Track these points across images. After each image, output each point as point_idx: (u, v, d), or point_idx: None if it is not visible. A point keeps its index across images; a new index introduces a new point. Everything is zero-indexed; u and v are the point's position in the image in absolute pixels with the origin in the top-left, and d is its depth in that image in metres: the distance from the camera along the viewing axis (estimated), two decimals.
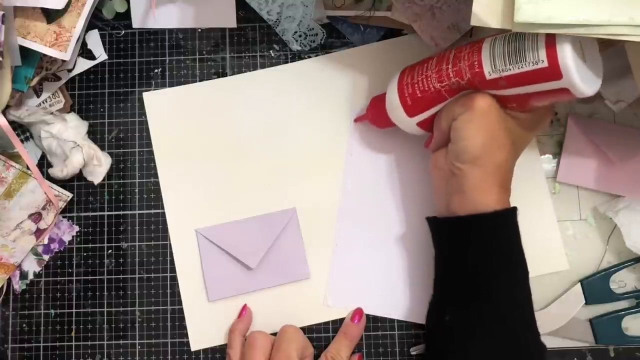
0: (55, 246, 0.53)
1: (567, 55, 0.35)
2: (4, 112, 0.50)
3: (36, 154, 0.54)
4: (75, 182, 0.54)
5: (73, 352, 0.52)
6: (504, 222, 0.41)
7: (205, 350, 0.52)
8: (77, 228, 0.54)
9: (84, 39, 0.54)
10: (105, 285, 0.53)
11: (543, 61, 0.36)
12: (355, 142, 0.53)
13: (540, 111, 0.42)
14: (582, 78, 0.36)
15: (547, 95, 0.38)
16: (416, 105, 0.44)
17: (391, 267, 0.51)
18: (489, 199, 0.40)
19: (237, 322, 0.50)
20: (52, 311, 0.53)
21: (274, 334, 0.49)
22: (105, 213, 0.54)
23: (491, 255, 0.41)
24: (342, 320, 0.51)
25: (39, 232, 0.53)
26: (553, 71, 0.36)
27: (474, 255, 0.42)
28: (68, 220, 0.54)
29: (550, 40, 0.36)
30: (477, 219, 0.40)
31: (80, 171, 0.52)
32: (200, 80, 0.54)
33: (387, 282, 0.51)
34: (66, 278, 0.53)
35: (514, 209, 0.42)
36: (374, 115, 0.49)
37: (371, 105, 0.50)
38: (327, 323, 0.52)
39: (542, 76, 0.36)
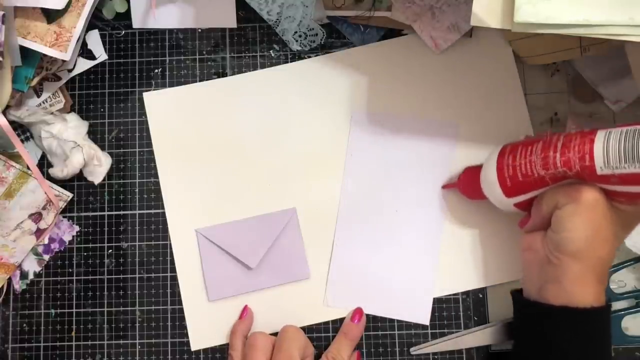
0: (55, 246, 0.53)
1: None
2: (4, 112, 0.50)
3: (36, 154, 0.54)
4: (76, 182, 0.54)
5: (73, 352, 0.52)
6: (599, 319, 0.40)
7: (205, 350, 0.52)
8: (77, 228, 0.54)
9: (84, 39, 0.54)
10: (105, 285, 0.53)
11: None
12: (355, 142, 0.53)
13: None
14: None
15: None
16: (516, 188, 0.42)
17: (391, 267, 0.51)
18: (586, 293, 0.39)
19: (239, 323, 0.50)
20: (52, 311, 0.53)
21: (274, 334, 0.49)
22: (106, 213, 0.54)
23: (581, 350, 0.40)
24: (342, 320, 0.51)
25: (39, 232, 0.53)
26: None
27: (563, 347, 0.40)
28: (68, 220, 0.54)
29: None
30: (572, 313, 0.39)
31: (81, 171, 0.52)
32: (200, 80, 0.54)
33: (386, 282, 0.51)
34: (66, 278, 0.53)
35: (609, 306, 0.40)
36: (467, 186, 0.48)
37: (465, 175, 0.49)
38: (327, 323, 0.52)
39: None
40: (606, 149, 0.36)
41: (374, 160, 0.53)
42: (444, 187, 0.51)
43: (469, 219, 0.52)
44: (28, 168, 0.52)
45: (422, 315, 0.51)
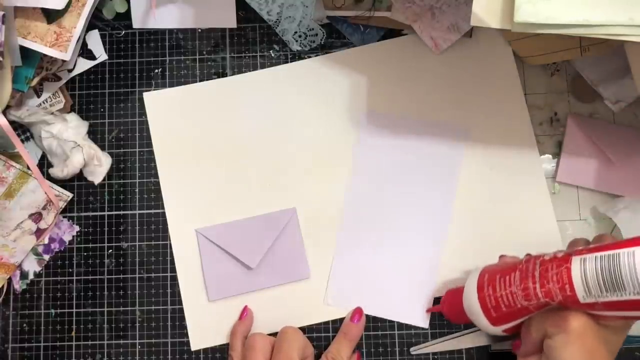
0: (55, 246, 0.53)
1: None
2: (4, 112, 0.50)
3: (36, 154, 0.54)
4: (76, 182, 0.54)
5: (73, 352, 0.52)
6: None
7: (205, 350, 0.52)
8: (77, 228, 0.54)
9: (84, 39, 0.54)
10: (105, 285, 0.53)
11: None
12: (364, 143, 0.53)
13: None
14: None
15: None
16: (501, 317, 0.41)
17: (393, 269, 0.51)
18: None
19: (239, 324, 0.50)
20: (52, 311, 0.53)
21: (274, 334, 0.49)
22: (106, 213, 0.54)
23: None
24: (342, 320, 0.51)
25: (39, 232, 0.53)
26: None
27: None
28: (68, 220, 0.54)
29: None
30: None
31: (81, 171, 0.52)
32: (200, 80, 0.54)
33: (388, 284, 0.51)
34: (66, 278, 0.53)
35: None
36: (451, 312, 0.47)
37: (447, 301, 0.48)
38: (327, 323, 0.52)
39: None
40: (584, 279, 0.36)
41: (382, 161, 0.53)
42: (427, 311, 0.50)
43: (473, 224, 0.52)
44: (28, 168, 0.52)
45: (421, 318, 0.51)
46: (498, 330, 0.43)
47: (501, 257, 0.46)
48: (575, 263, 0.37)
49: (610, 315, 0.37)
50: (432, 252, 0.51)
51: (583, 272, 0.36)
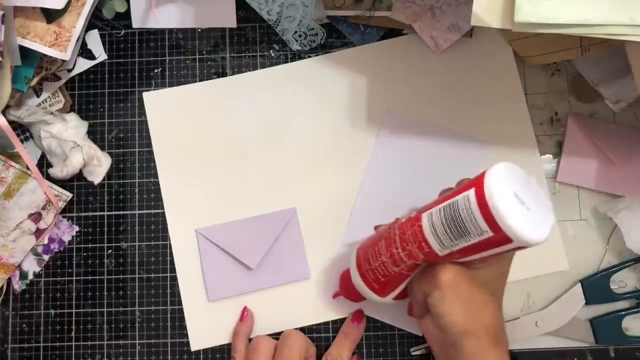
0: (55, 246, 0.53)
1: (508, 219, 0.33)
2: (3, 112, 0.50)
3: (36, 154, 0.54)
4: (75, 182, 0.54)
5: (73, 352, 0.52)
6: None
7: (205, 350, 0.52)
8: (77, 228, 0.54)
9: (83, 38, 0.54)
10: (105, 285, 0.53)
11: (487, 231, 0.34)
12: (382, 143, 0.53)
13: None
14: (532, 231, 0.33)
15: (506, 252, 0.36)
16: (384, 287, 0.42)
17: None
18: None
19: (240, 325, 0.50)
20: (52, 311, 0.53)
21: (275, 334, 0.49)
22: (105, 213, 0.54)
23: None
24: (342, 320, 0.51)
25: (38, 232, 0.53)
26: (502, 237, 0.34)
27: None
28: (68, 220, 0.54)
29: (484, 206, 0.34)
30: None
31: (80, 171, 0.52)
32: (200, 80, 0.54)
33: None
34: (66, 278, 0.53)
35: None
36: (348, 292, 0.48)
37: (342, 283, 0.49)
38: (327, 323, 0.52)
39: (493, 243, 0.35)
40: (434, 232, 0.37)
41: (397, 163, 0.53)
42: (333, 296, 0.51)
43: None
44: (28, 168, 0.52)
45: (417, 326, 0.51)
46: (388, 300, 0.43)
47: (376, 227, 0.46)
48: (425, 219, 0.38)
49: (472, 259, 0.37)
50: None
51: (432, 226, 0.37)
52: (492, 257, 0.38)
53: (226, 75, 0.54)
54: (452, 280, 0.38)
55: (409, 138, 0.53)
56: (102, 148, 0.54)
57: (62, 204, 0.53)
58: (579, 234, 0.51)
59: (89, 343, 0.52)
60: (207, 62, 0.55)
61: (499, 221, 0.33)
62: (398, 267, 0.40)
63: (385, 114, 0.53)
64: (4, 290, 0.53)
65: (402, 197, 0.52)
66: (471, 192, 0.35)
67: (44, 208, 0.53)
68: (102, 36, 0.55)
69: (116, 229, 0.53)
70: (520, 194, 0.34)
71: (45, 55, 0.50)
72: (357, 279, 0.44)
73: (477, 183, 0.35)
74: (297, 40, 0.54)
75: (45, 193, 0.52)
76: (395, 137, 0.53)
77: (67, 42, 0.50)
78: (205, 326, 0.52)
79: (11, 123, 0.50)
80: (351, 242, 0.52)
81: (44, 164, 0.54)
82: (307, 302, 0.52)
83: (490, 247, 0.35)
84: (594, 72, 0.52)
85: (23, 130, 0.54)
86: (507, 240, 0.34)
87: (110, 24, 0.55)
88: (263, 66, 0.54)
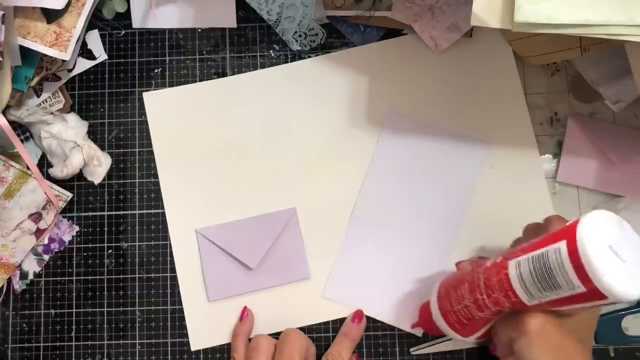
0: (55, 246, 0.53)
1: (602, 276, 0.31)
2: (4, 112, 0.50)
3: (36, 154, 0.54)
4: (75, 182, 0.54)
5: (73, 352, 0.52)
6: None
7: (205, 350, 0.52)
8: (77, 228, 0.54)
9: (84, 39, 0.54)
10: (105, 285, 0.53)
11: (579, 287, 0.32)
12: (384, 143, 0.53)
13: None
14: (628, 286, 0.31)
15: (598, 306, 0.34)
16: (467, 330, 0.42)
17: (396, 273, 0.51)
18: None
19: (240, 325, 0.50)
20: (52, 311, 0.53)
21: (275, 334, 0.49)
22: (105, 213, 0.54)
23: None
24: (342, 320, 0.51)
25: (39, 232, 0.53)
26: (595, 293, 0.32)
27: None
28: (68, 220, 0.54)
29: (577, 261, 0.32)
30: None
31: (80, 171, 0.52)
32: (200, 80, 0.54)
33: (389, 287, 0.51)
34: (66, 278, 0.53)
35: None
36: (428, 327, 0.47)
37: (422, 316, 0.48)
38: (327, 323, 0.52)
39: (586, 298, 0.33)
40: (523, 283, 0.35)
41: (399, 163, 0.52)
42: (412, 327, 0.50)
43: (472, 224, 0.52)
44: (28, 168, 0.52)
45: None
46: (471, 340, 0.43)
47: (457, 264, 0.45)
48: (512, 268, 0.36)
49: (560, 309, 0.36)
50: (439, 263, 0.51)
51: (520, 276, 0.36)
52: (583, 308, 0.36)
53: (226, 75, 0.54)
54: (540, 328, 0.37)
55: (410, 138, 0.53)
56: (102, 148, 0.54)
57: (62, 204, 0.53)
58: None
59: (89, 343, 0.52)
60: (207, 62, 0.55)
61: (593, 278, 0.31)
62: (482, 312, 0.39)
63: (387, 114, 0.53)
64: (4, 290, 0.53)
65: (402, 197, 0.52)
66: (562, 245, 0.33)
67: (44, 208, 0.53)
68: (102, 36, 0.55)
69: (116, 229, 0.53)
70: (615, 245, 0.32)
71: (45, 55, 0.50)
72: (438, 318, 0.43)
73: (569, 234, 0.33)
74: (297, 40, 0.54)
75: (45, 193, 0.52)
76: (396, 137, 0.53)
77: (67, 42, 0.50)
78: (205, 326, 0.52)
79: (11, 123, 0.50)
80: (352, 242, 0.52)
81: (44, 164, 0.54)
82: (307, 302, 0.52)
83: (582, 302, 0.34)
84: (594, 72, 0.52)
85: (23, 130, 0.54)
86: (601, 296, 0.32)
87: (111, 24, 0.55)
88: (263, 66, 0.54)
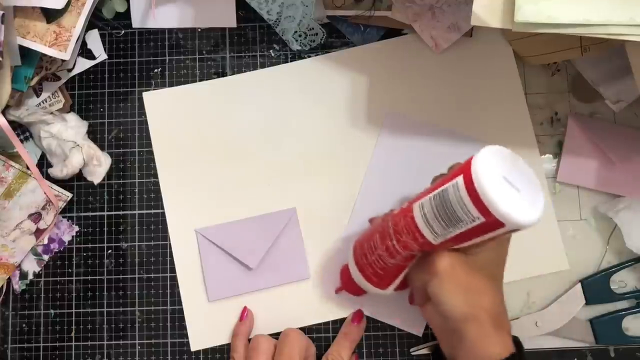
0: (55, 246, 0.53)
1: (498, 205, 0.32)
2: (3, 112, 0.50)
3: (36, 154, 0.54)
4: (75, 182, 0.54)
5: (73, 352, 0.52)
6: None
7: (205, 351, 0.52)
8: (77, 228, 0.53)
9: (83, 38, 0.54)
10: (105, 285, 0.53)
11: (479, 218, 0.34)
12: (383, 144, 0.53)
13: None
14: (524, 213, 0.33)
15: (500, 235, 0.36)
16: (383, 280, 0.43)
17: None
18: (491, 348, 0.38)
19: (240, 325, 0.50)
20: (52, 311, 0.53)
21: (275, 334, 0.49)
22: (105, 213, 0.53)
23: None
24: (342, 320, 0.51)
25: (38, 232, 0.53)
26: (494, 222, 0.34)
27: None
28: (68, 220, 0.53)
29: (473, 193, 0.33)
30: None
31: (80, 171, 0.52)
32: (200, 80, 0.54)
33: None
34: (66, 278, 0.53)
35: (519, 348, 0.40)
36: (350, 287, 0.48)
37: (342, 278, 0.49)
38: (327, 323, 0.52)
39: (486, 228, 0.34)
40: (427, 222, 0.37)
41: (399, 163, 0.52)
42: (336, 291, 0.50)
43: None
44: (27, 168, 0.52)
45: (416, 326, 0.51)
46: (389, 291, 0.44)
47: (370, 220, 0.46)
48: (416, 209, 0.38)
49: (466, 245, 0.37)
50: None
51: (424, 216, 0.37)
52: (489, 242, 0.37)
53: (226, 75, 0.54)
54: (449, 268, 0.38)
55: (410, 138, 0.53)
56: (102, 148, 0.54)
57: (62, 204, 0.53)
58: (579, 234, 0.51)
59: (89, 343, 0.52)
60: (207, 62, 0.55)
61: (489, 207, 0.33)
62: (394, 259, 0.40)
63: (386, 114, 0.53)
64: (4, 290, 0.53)
65: (402, 197, 0.52)
66: (459, 180, 0.34)
67: (44, 208, 0.53)
68: (102, 36, 0.55)
69: (116, 229, 0.53)
70: (509, 176, 0.34)
71: (45, 55, 0.50)
72: (356, 274, 0.44)
73: (465, 169, 0.34)
74: (297, 40, 0.53)
75: (45, 193, 0.52)
76: (396, 137, 0.53)
77: (67, 42, 0.50)
78: (205, 326, 0.52)
79: (11, 123, 0.50)
80: (348, 239, 0.52)
81: (44, 164, 0.54)
82: (307, 302, 0.52)
83: (484, 233, 0.35)
84: (594, 72, 0.52)
85: (23, 130, 0.54)
86: (500, 224, 0.34)
87: (110, 23, 0.55)
88: (263, 66, 0.54)
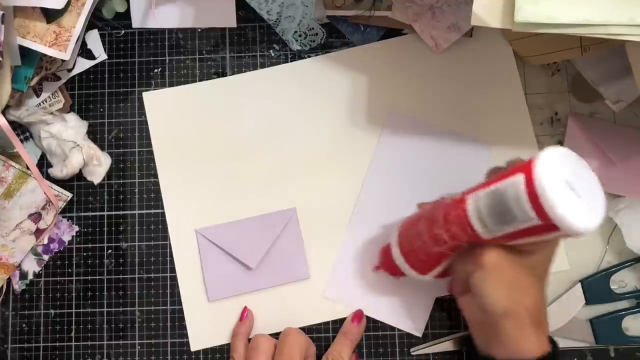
0: (55, 246, 0.53)
1: (557, 209, 0.32)
2: (3, 112, 0.50)
3: (36, 154, 0.54)
4: (75, 182, 0.54)
5: (73, 352, 0.52)
6: None
7: (205, 351, 0.52)
8: (76, 228, 0.53)
9: (83, 38, 0.54)
10: (105, 285, 0.53)
11: (534, 219, 0.33)
12: (384, 144, 0.53)
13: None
14: (581, 220, 0.32)
15: (552, 239, 0.35)
16: (425, 267, 0.43)
17: None
18: (528, 346, 0.39)
19: (240, 325, 0.50)
20: (52, 311, 0.53)
21: (275, 334, 0.49)
22: (105, 213, 0.53)
23: None
24: (342, 320, 0.51)
25: (38, 232, 0.53)
26: (549, 226, 0.33)
27: None
28: (68, 220, 0.53)
29: (533, 194, 0.32)
30: None
31: (80, 171, 0.52)
32: (200, 80, 0.54)
33: (388, 287, 0.51)
34: (66, 278, 0.53)
35: (555, 349, 0.40)
36: (389, 268, 0.48)
37: (382, 257, 0.49)
38: (327, 323, 0.52)
39: (540, 230, 0.34)
40: (480, 216, 0.36)
41: (399, 163, 0.52)
42: (373, 269, 0.50)
43: None
44: (27, 168, 0.52)
45: (416, 326, 0.51)
46: (428, 277, 0.44)
47: (419, 205, 0.46)
48: (470, 202, 0.37)
49: (516, 244, 0.37)
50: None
51: (477, 210, 0.36)
52: (538, 243, 0.37)
53: (226, 75, 0.54)
54: (495, 262, 0.38)
55: (411, 138, 0.53)
56: (102, 148, 0.54)
57: (62, 204, 0.53)
58: None
59: (89, 343, 0.52)
60: (207, 62, 0.55)
61: (548, 210, 0.32)
62: (440, 247, 0.40)
63: (388, 114, 0.53)
64: (4, 290, 0.53)
65: (403, 197, 0.52)
66: (520, 178, 0.34)
67: (43, 208, 0.53)
68: (102, 36, 0.55)
69: (116, 229, 0.53)
70: (572, 180, 0.33)
71: (45, 55, 0.50)
72: (398, 257, 0.44)
73: (527, 169, 0.33)
74: (297, 40, 0.53)
75: (45, 193, 0.52)
76: (397, 137, 0.53)
77: (67, 42, 0.50)
78: (205, 326, 0.52)
79: (11, 123, 0.50)
80: (352, 242, 0.52)
81: (44, 164, 0.54)
82: (307, 302, 0.52)
83: (537, 234, 0.35)
84: (594, 72, 0.52)
85: (23, 130, 0.54)
86: (555, 228, 0.33)
87: (110, 24, 0.55)
88: (263, 66, 0.54)
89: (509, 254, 0.39)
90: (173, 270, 0.52)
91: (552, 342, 0.40)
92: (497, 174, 0.39)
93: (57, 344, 0.52)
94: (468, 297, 0.42)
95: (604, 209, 0.34)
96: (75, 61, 0.54)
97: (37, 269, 0.53)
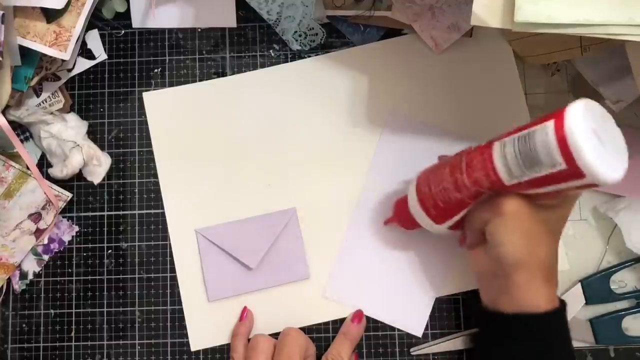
0: (55, 246, 0.53)
1: (585, 154, 0.33)
2: (3, 112, 0.50)
3: (36, 154, 0.54)
4: (75, 182, 0.54)
5: (73, 352, 0.52)
6: (554, 321, 0.40)
7: (205, 351, 0.52)
8: (76, 228, 0.54)
9: (83, 38, 0.54)
10: (105, 285, 0.53)
11: (561, 164, 0.34)
12: (385, 144, 0.53)
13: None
14: (606, 169, 0.33)
15: (574, 188, 0.36)
16: (441, 214, 0.43)
17: (396, 274, 0.51)
18: (537, 299, 0.39)
19: (240, 325, 0.50)
20: (52, 311, 0.53)
21: (275, 334, 0.49)
22: (105, 213, 0.53)
23: (539, 355, 0.40)
24: (342, 320, 0.51)
25: (38, 232, 0.53)
26: (574, 171, 0.34)
27: (521, 354, 0.41)
28: (68, 220, 0.53)
29: (562, 139, 0.33)
30: (525, 320, 0.40)
31: (80, 171, 0.52)
32: (200, 80, 0.54)
33: (388, 287, 0.51)
34: (66, 278, 0.53)
35: (563, 305, 0.41)
36: (402, 219, 0.48)
37: (396, 209, 0.49)
38: (327, 323, 0.52)
39: (565, 177, 0.34)
40: (505, 161, 0.37)
41: (399, 163, 0.52)
42: (385, 223, 0.51)
43: None
44: (27, 168, 0.52)
45: (416, 326, 0.51)
46: (443, 228, 0.44)
47: (440, 157, 0.46)
48: (496, 148, 0.37)
49: (538, 192, 0.37)
50: (439, 260, 0.51)
51: (503, 155, 0.37)
52: (557, 195, 0.37)
53: (226, 75, 0.54)
54: (515, 210, 0.38)
55: (412, 139, 0.53)
56: (102, 148, 0.54)
57: (62, 204, 0.53)
58: (579, 233, 0.51)
59: (89, 343, 0.52)
60: (207, 62, 0.55)
61: (576, 155, 0.33)
62: (460, 193, 0.40)
63: (389, 114, 0.53)
64: (4, 290, 0.53)
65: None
66: (550, 124, 0.34)
67: (43, 208, 0.53)
68: (102, 36, 0.55)
69: (116, 229, 0.53)
70: (599, 131, 0.34)
71: (45, 55, 0.50)
72: (414, 204, 0.44)
73: (558, 116, 0.34)
74: (297, 40, 0.53)
75: (45, 193, 0.52)
76: (397, 137, 0.53)
77: (67, 42, 0.50)
78: (205, 326, 0.52)
79: (11, 123, 0.50)
80: (352, 242, 0.52)
81: (44, 164, 0.54)
82: (307, 302, 0.52)
83: (560, 181, 0.35)
84: (594, 72, 0.52)
85: (23, 130, 0.54)
86: (580, 175, 0.34)
87: (110, 23, 0.55)
88: (263, 66, 0.54)
89: (528, 204, 0.39)
90: (173, 270, 0.52)
91: (561, 301, 0.41)
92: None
93: (57, 344, 0.52)
94: (480, 249, 0.42)
95: (626, 163, 0.35)
96: (75, 61, 0.54)
97: (37, 269, 0.53)
